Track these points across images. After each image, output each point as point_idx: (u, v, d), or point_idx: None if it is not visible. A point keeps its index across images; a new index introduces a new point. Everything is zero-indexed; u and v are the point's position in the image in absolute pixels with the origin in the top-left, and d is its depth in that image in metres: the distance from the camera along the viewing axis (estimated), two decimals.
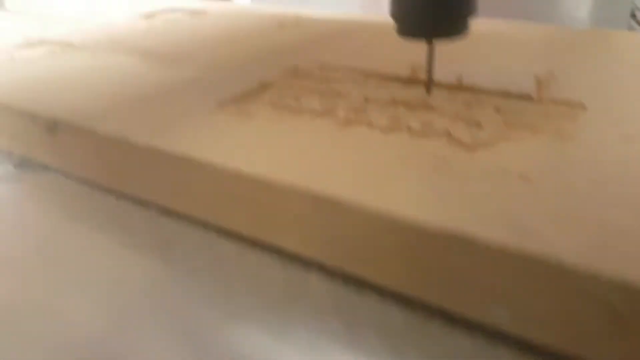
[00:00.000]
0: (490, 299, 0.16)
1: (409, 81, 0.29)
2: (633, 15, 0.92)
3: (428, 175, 0.19)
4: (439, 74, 0.28)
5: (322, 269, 0.20)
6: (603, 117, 0.23)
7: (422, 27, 0.23)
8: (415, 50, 0.32)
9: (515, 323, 0.16)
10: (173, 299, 0.19)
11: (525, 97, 0.25)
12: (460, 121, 0.23)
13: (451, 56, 0.28)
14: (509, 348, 0.16)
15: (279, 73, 0.31)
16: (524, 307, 0.15)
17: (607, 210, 0.16)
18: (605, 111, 0.24)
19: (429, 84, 0.26)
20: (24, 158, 0.29)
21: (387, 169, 0.20)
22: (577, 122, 0.23)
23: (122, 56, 0.36)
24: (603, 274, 0.14)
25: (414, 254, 0.17)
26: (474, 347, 0.16)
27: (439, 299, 0.17)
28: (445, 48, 0.27)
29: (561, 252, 0.15)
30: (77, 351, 0.17)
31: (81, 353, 0.17)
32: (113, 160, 0.24)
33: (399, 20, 0.24)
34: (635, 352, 0.14)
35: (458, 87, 0.27)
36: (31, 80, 0.32)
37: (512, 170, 0.19)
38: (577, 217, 0.16)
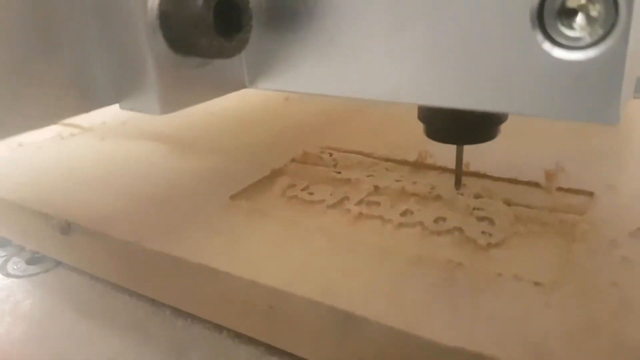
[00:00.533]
0: None
1: (417, 165, 0.30)
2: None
3: (443, 285, 0.19)
4: (445, 159, 0.29)
5: None
6: (611, 209, 0.24)
7: (453, 135, 0.24)
8: (421, 133, 0.33)
9: None
10: None
11: (533, 185, 0.26)
12: (471, 216, 0.24)
13: None
14: None
15: (288, 159, 0.31)
16: None
17: (621, 323, 0.17)
18: (612, 201, 0.24)
19: (459, 180, 0.26)
20: (36, 253, 0.30)
21: (402, 279, 0.20)
22: (585, 215, 0.23)
23: (131, 141, 0.37)
24: None
25: None
26: None
27: None
28: None
29: None
30: None
31: None
32: (126, 262, 0.25)
33: (428, 124, 0.24)
34: None
35: (465, 173, 0.28)
36: (43, 174, 0.32)
37: (525, 275, 0.19)
38: (593, 333, 0.16)
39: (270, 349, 0.22)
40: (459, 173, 0.26)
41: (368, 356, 0.19)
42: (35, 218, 0.28)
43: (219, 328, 0.23)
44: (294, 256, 0.22)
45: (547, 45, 0.14)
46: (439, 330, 0.17)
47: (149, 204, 0.27)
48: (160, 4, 0.17)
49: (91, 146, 0.37)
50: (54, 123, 0.18)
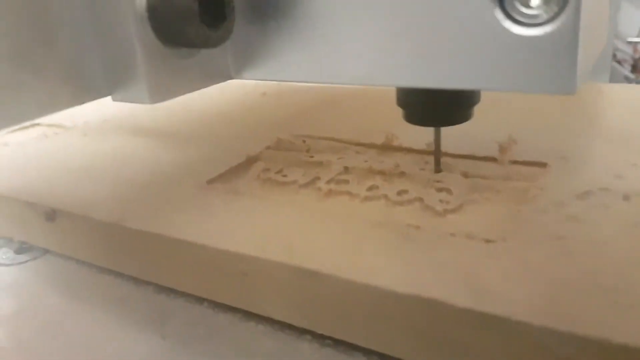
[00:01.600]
0: (455, 354, 0.18)
1: (384, 148, 0.32)
2: (614, 56, 0.97)
3: (400, 243, 0.21)
4: (410, 141, 0.31)
5: (313, 335, 0.22)
6: (561, 176, 0.26)
7: (431, 118, 0.25)
8: (388, 119, 0.35)
9: None
10: None
11: (490, 160, 0.28)
12: (431, 188, 0.26)
13: None
14: None
15: (264, 146, 0.33)
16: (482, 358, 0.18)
17: (556, 269, 0.19)
18: (563, 170, 0.26)
19: (438, 161, 0.28)
20: (24, 243, 0.31)
21: (363, 240, 0.22)
22: (536, 182, 0.25)
23: (113, 136, 0.39)
24: (553, 328, 0.16)
25: (390, 317, 0.19)
26: None
27: (414, 354, 0.19)
28: None
29: (514, 310, 0.17)
30: None
31: None
32: (109, 243, 0.27)
33: (407, 109, 0.25)
34: None
35: (429, 152, 0.30)
36: (27, 166, 0.34)
37: (477, 234, 0.21)
38: (530, 276, 0.19)
39: (247, 314, 0.23)
40: (438, 155, 0.27)
41: (336, 310, 0.20)
42: (21, 207, 0.30)
43: (200, 300, 0.25)
44: (265, 226, 0.24)
45: (507, 23, 0.16)
46: (395, 281, 0.19)
47: (129, 189, 0.29)
48: None
49: (74, 142, 0.38)
50: (49, 114, 0.19)
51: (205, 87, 0.22)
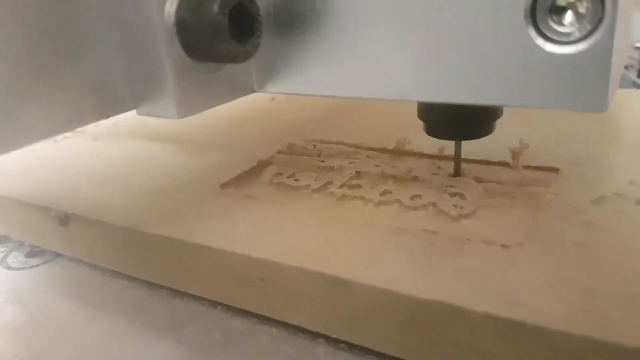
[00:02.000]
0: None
1: (396, 152, 0.32)
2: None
3: (419, 249, 0.22)
4: (423, 146, 0.31)
5: (327, 339, 0.22)
6: (575, 181, 0.26)
7: (452, 132, 0.25)
8: (399, 124, 0.35)
9: None
10: None
11: (504, 165, 0.28)
12: (444, 193, 0.26)
13: None
14: None
15: (275, 151, 0.33)
16: None
17: (579, 275, 0.19)
18: (577, 175, 0.27)
19: (457, 171, 0.28)
20: (35, 247, 0.32)
21: (382, 245, 0.22)
22: (550, 187, 0.25)
23: (123, 141, 0.39)
24: (581, 335, 0.16)
25: (410, 323, 0.19)
26: None
27: None
28: None
29: (542, 318, 0.17)
30: None
31: None
32: (124, 247, 0.27)
33: (427, 122, 0.26)
34: None
35: (441, 157, 0.30)
36: (39, 170, 0.34)
37: (494, 239, 0.22)
38: (552, 281, 0.19)
39: (262, 318, 0.24)
40: (458, 163, 0.27)
41: (356, 316, 0.21)
42: (34, 212, 0.30)
43: (214, 304, 0.25)
44: (283, 232, 0.24)
45: (539, 41, 0.16)
46: (415, 287, 0.19)
47: (143, 194, 0.29)
48: (178, 11, 0.18)
49: (85, 146, 0.39)
50: (75, 129, 0.19)
51: (229, 101, 0.22)
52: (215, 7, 0.18)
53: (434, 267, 0.20)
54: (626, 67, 0.94)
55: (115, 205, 0.28)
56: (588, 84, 0.16)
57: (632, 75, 0.93)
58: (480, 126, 0.25)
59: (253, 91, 0.23)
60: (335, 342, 0.22)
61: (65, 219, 0.28)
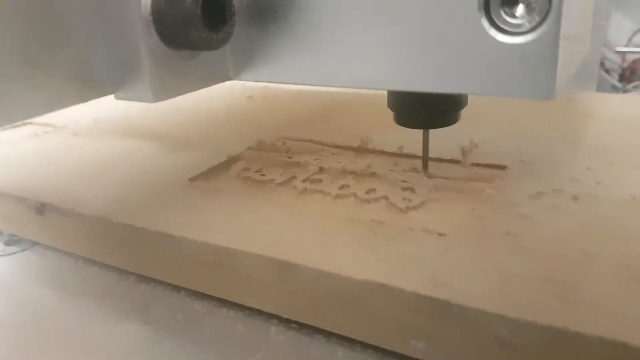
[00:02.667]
0: (408, 336, 0.20)
1: (359, 150, 0.34)
2: (602, 65, 1.00)
3: (364, 237, 0.24)
4: (384, 144, 0.33)
5: (280, 320, 0.24)
6: (518, 178, 0.28)
7: (420, 121, 0.27)
8: (365, 124, 0.37)
9: (430, 354, 0.20)
10: (152, 356, 0.23)
11: (455, 162, 0.30)
12: (397, 187, 0.28)
13: (395, 125, 0.33)
14: None
15: (246, 147, 0.35)
16: (436, 341, 0.20)
17: (502, 261, 0.21)
18: (521, 173, 0.29)
19: (425, 163, 0.29)
20: (13, 235, 0.33)
21: (331, 234, 0.24)
22: (493, 183, 0.28)
23: (102, 136, 0.41)
24: (497, 313, 0.18)
25: (350, 302, 0.21)
26: None
27: (369, 337, 0.22)
28: (390, 117, 0.31)
29: (459, 297, 0.19)
30: None
31: None
32: (96, 236, 0.29)
33: (398, 112, 0.27)
34: None
35: (399, 154, 0.32)
36: (18, 163, 0.36)
37: (433, 229, 0.24)
38: (479, 267, 0.21)
39: (221, 301, 0.26)
40: (426, 156, 0.29)
41: (303, 297, 0.23)
42: (12, 202, 0.32)
43: (178, 289, 0.27)
44: (241, 221, 0.26)
45: (492, 31, 0.18)
46: (354, 269, 0.21)
47: (115, 186, 0.31)
48: (153, 2, 0.20)
49: (64, 141, 0.40)
50: (57, 110, 0.21)
51: (204, 87, 0.24)
52: None
53: (374, 252, 0.22)
54: (607, 71, 0.96)
55: (88, 196, 0.30)
56: (537, 72, 0.18)
57: (613, 79, 0.95)
58: (446, 115, 0.27)
59: (229, 79, 0.25)
60: (287, 322, 0.24)
61: (41, 208, 0.30)
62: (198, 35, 0.20)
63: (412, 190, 0.27)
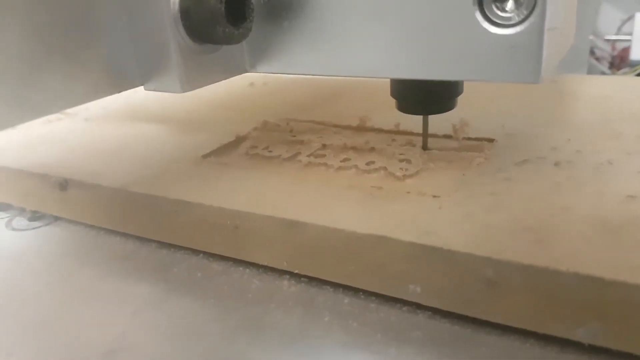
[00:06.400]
0: (408, 281, 0.24)
1: (358, 128, 0.37)
2: (593, 53, 1.04)
3: (365, 199, 0.27)
4: (381, 123, 0.37)
5: (292, 275, 0.27)
6: (505, 149, 0.31)
7: (420, 107, 0.30)
8: (363, 105, 0.40)
9: (425, 296, 0.23)
10: (172, 308, 0.26)
11: (448, 137, 0.34)
12: (394, 159, 0.31)
13: (391, 106, 0.37)
14: (424, 315, 0.24)
15: (252, 128, 0.39)
16: (431, 284, 0.23)
17: (487, 215, 0.24)
18: (508, 144, 0.32)
19: (425, 144, 0.32)
20: (36, 212, 0.36)
21: (335, 197, 0.27)
22: (482, 153, 0.31)
23: (113, 121, 0.44)
24: (483, 256, 0.22)
25: (354, 254, 0.25)
26: (399, 316, 0.24)
27: (372, 285, 0.25)
28: (386, 100, 0.35)
29: (451, 243, 0.22)
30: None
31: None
32: (115, 206, 0.32)
33: (399, 99, 0.30)
34: (507, 307, 0.22)
35: (396, 132, 0.35)
36: (37, 144, 0.39)
37: (427, 192, 0.27)
38: (468, 220, 0.24)
39: (237, 262, 0.29)
40: (425, 136, 0.32)
41: (311, 252, 0.26)
42: (35, 179, 0.35)
43: (197, 252, 0.30)
44: (252, 189, 0.29)
45: (485, 24, 0.21)
46: (356, 225, 0.24)
47: (133, 163, 0.34)
48: (181, 0, 0.23)
49: (77, 126, 0.43)
50: (93, 100, 0.24)
51: (225, 79, 0.27)
52: None
53: (374, 211, 0.26)
54: (597, 59, 1.00)
55: (108, 172, 0.33)
56: (525, 59, 0.21)
57: (603, 66, 0.99)
58: (444, 102, 0.30)
59: (246, 71, 0.28)
60: (297, 277, 0.27)
61: (64, 184, 0.33)
62: (222, 30, 0.23)
63: (408, 161, 0.31)
